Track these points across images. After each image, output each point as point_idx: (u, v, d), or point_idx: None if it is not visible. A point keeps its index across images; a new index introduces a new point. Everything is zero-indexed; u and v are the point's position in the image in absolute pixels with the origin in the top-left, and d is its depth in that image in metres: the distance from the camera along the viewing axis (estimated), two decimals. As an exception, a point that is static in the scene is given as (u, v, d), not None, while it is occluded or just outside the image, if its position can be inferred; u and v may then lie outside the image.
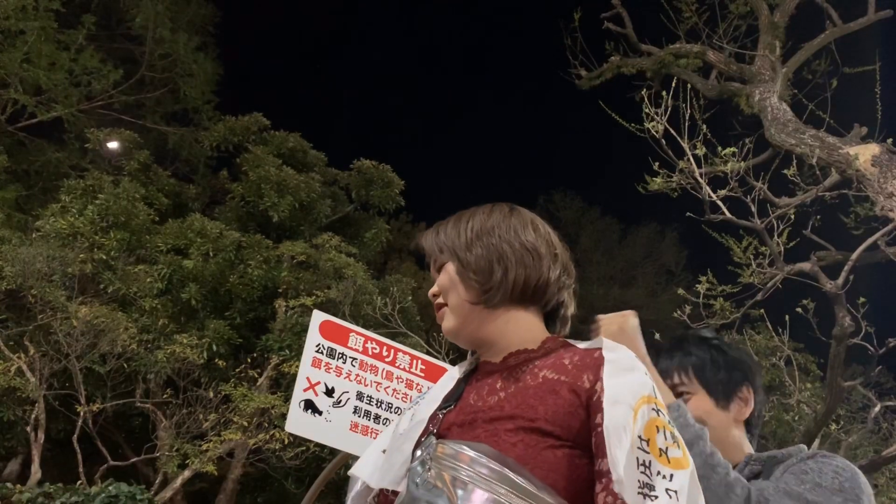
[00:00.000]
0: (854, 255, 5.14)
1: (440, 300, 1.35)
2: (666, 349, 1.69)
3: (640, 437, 1.09)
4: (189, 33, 15.60)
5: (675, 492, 1.07)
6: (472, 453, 1.13)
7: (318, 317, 3.10)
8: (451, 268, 1.33)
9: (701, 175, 5.40)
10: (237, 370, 10.62)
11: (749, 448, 1.61)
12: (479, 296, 1.29)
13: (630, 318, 1.53)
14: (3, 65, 12.48)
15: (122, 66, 14.59)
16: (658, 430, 1.12)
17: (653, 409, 1.14)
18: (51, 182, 13.59)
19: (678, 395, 1.58)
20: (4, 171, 12.68)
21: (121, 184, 11.99)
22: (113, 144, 13.67)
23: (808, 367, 10.06)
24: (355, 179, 15.00)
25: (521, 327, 1.30)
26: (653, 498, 1.05)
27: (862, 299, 5.47)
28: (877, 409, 7.83)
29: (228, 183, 14.61)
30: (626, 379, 1.15)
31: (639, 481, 1.06)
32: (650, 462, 1.08)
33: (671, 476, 1.08)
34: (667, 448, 1.11)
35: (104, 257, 10.70)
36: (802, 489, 1.39)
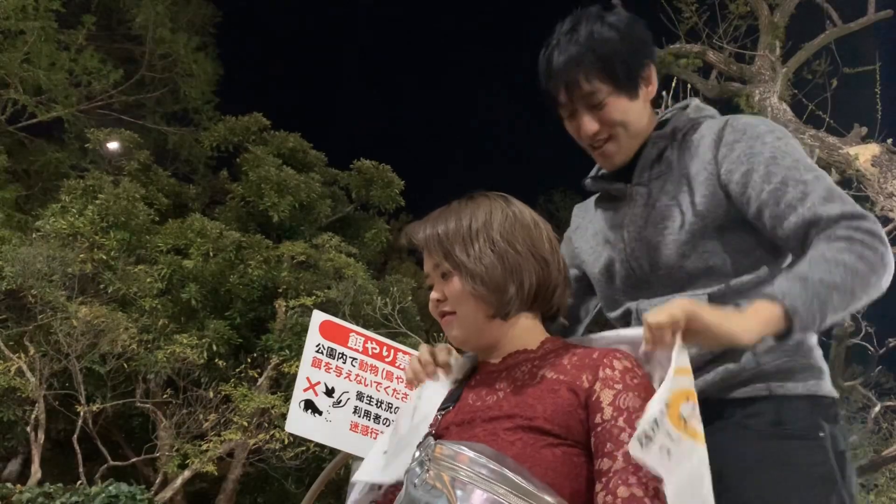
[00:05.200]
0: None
1: (446, 308, 1.31)
2: (563, 44, 1.45)
3: (665, 401, 1.04)
4: (189, 33, 15.61)
5: (669, 451, 1.01)
6: (470, 454, 1.13)
7: (317, 317, 3.10)
8: (460, 281, 1.28)
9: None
10: (237, 370, 10.62)
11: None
12: (493, 311, 1.27)
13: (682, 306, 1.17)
14: (3, 65, 12.48)
15: (122, 67, 14.60)
16: (686, 399, 1.07)
17: (688, 379, 1.09)
18: (51, 182, 13.60)
19: (595, 104, 1.43)
20: (4, 172, 12.69)
21: (121, 184, 11.99)
22: (113, 144, 13.68)
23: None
24: (355, 179, 15.01)
25: (524, 330, 1.30)
26: (649, 446, 1.01)
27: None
28: (877, 409, 7.84)
29: (228, 183, 14.62)
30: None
31: (644, 432, 1.02)
32: (663, 422, 1.03)
33: (678, 438, 1.03)
34: (688, 417, 1.06)
35: (104, 257, 10.70)
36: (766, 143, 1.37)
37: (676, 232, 1.39)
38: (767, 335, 1.17)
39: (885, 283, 1.25)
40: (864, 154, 5.40)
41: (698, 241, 1.38)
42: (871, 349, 5.61)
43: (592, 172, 1.61)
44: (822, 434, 1.30)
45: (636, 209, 1.46)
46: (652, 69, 1.49)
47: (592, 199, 1.65)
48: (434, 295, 1.32)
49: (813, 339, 1.40)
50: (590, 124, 1.44)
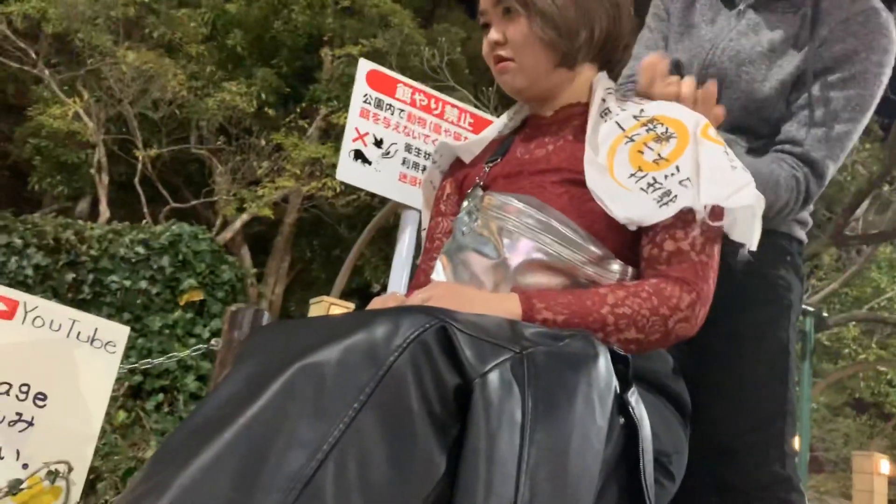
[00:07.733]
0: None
1: (505, 52, 1.19)
2: None
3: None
4: None
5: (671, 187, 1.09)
6: (518, 204, 1.14)
7: (364, 66, 3.04)
8: (527, 22, 1.15)
9: None
10: (287, 120, 10.73)
11: None
12: (558, 58, 1.17)
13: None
14: None
15: None
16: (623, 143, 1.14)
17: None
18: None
19: None
20: None
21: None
22: None
23: (871, 126, 9.75)
24: (402, -85, 13.92)
25: (584, 82, 1.23)
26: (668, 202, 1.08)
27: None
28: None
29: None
30: None
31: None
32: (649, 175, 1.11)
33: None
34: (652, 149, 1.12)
35: (146, 0, 10.46)
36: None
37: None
38: None
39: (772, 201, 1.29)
40: None
41: None
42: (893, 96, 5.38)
43: None
44: None
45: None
46: None
47: None
48: (492, 36, 1.19)
49: None
50: None
